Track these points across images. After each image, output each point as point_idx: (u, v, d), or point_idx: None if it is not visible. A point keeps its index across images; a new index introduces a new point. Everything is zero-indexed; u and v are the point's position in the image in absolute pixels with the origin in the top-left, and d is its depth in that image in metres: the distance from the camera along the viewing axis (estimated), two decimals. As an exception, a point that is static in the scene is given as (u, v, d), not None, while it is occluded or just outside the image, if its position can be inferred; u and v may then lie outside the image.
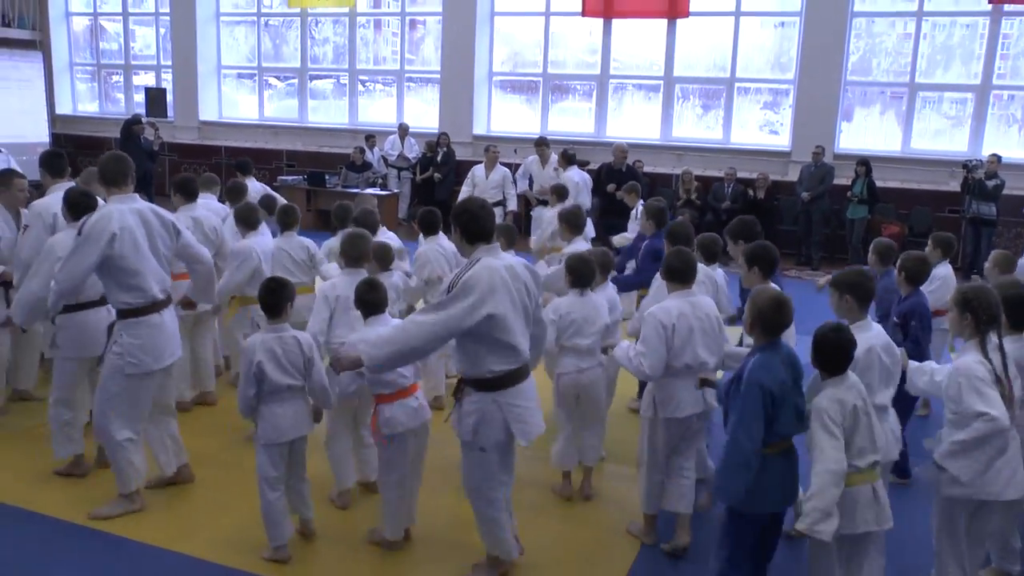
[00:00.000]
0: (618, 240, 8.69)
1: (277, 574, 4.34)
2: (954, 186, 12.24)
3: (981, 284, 4.07)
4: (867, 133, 13.68)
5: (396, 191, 14.56)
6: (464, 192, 11.45)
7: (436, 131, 14.86)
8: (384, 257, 5.52)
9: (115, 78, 18.87)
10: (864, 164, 12.26)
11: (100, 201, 5.12)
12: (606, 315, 5.18)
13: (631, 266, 6.82)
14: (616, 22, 14.43)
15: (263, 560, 4.40)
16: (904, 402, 4.65)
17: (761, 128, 14.34)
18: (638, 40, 14.68)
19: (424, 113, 15.91)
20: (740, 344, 4.81)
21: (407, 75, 16.23)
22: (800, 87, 13.35)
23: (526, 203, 12.41)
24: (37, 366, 6.42)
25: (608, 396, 5.57)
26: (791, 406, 3.55)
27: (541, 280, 4.19)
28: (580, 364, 5.05)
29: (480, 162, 12.01)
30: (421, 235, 6.74)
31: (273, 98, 17.62)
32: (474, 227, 3.88)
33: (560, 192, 8.89)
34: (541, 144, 11.59)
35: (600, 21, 14.46)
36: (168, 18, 17.35)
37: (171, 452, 5.12)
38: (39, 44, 17.97)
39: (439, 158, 14.07)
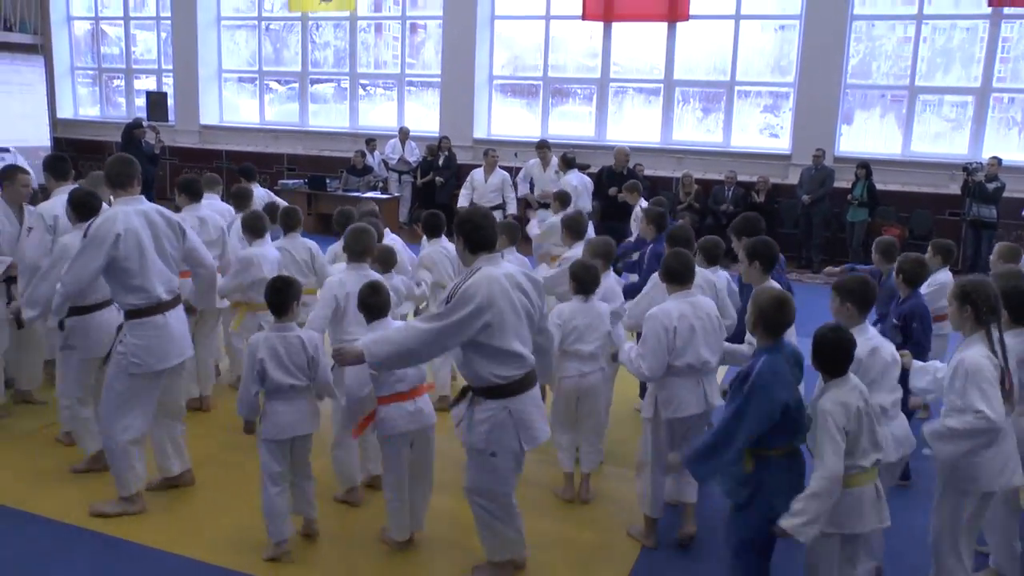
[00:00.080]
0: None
1: (278, 575, 4.35)
2: (954, 189, 12.25)
3: (980, 277, 4.06)
4: (867, 136, 13.70)
5: (397, 195, 14.57)
6: (463, 196, 11.46)
7: (436, 135, 14.88)
8: (387, 260, 5.52)
9: (116, 82, 18.91)
10: (864, 167, 12.28)
11: (105, 205, 5.17)
12: (608, 322, 5.19)
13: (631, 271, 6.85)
14: (616, 25, 14.46)
15: (264, 561, 4.41)
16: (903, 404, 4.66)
17: (761, 131, 14.36)
18: (638, 43, 14.69)
19: (425, 117, 15.93)
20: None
21: (408, 79, 16.25)
22: (800, 90, 13.36)
23: (526, 206, 12.41)
24: (41, 367, 6.43)
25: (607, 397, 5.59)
26: (801, 410, 3.58)
27: (543, 288, 4.20)
28: (582, 368, 5.07)
29: (480, 166, 12.02)
30: (424, 238, 6.76)
31: (274, 102, 17.65)
32: (476, 237, 3.92)
33: (563, 198, 8.91)
34: (543, 147, 11.60)
35: (600, 25, 14.48)
36: (169, 22, 17.40)
37: (171, 456, 5.12)
38: (40, 48, 18.02)
39: (441, 162, 14.07)
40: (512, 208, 11.57)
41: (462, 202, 11.33)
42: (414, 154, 14.80)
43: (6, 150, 11.55)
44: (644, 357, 4.41)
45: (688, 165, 13.66)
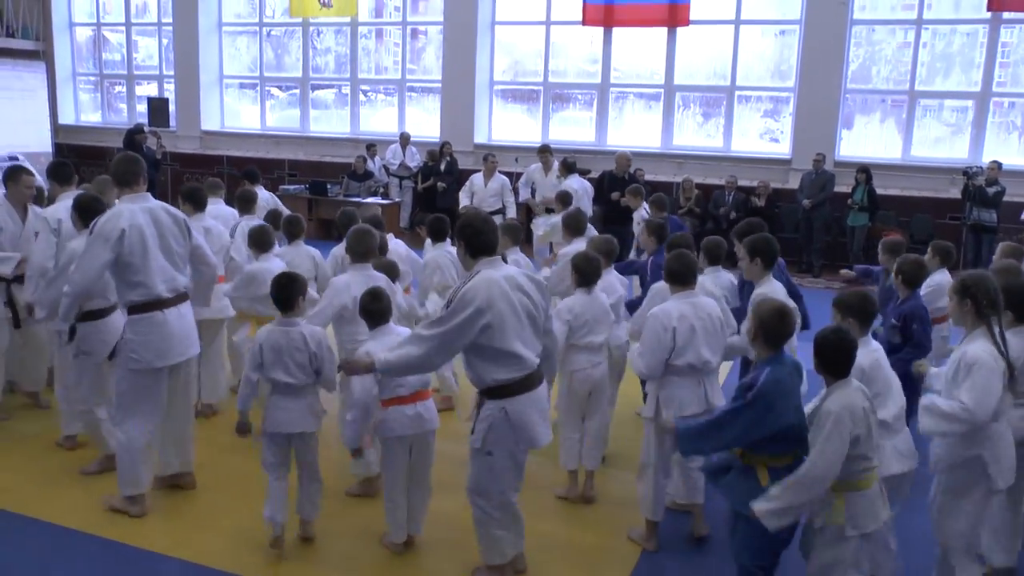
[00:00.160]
0: None
1: (277, 579, 4.36)
2: (955, 193, 12.26)
3: (979, 271, 4.08)
4: (867, 141, 13.72)
5: (398, 200, 14.60)
6: (463, 200, 11.46)
7: (437, 140, 14.89)
8: (389, 273, 5.53)
9: (118, 88, 18.96)
10: (864, 171, 12.29)
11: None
12: (612, 313, 5.29)
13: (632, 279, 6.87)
14: (616, 31, 14.48)
15: (264, 564, 4.42)
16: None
17: (762, 136, 14.38)
18: (638, 49, 14.72)
19: (425, 122, 15.96)
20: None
21: (408, 84, 16.28)
22: (800, 95, 13.38)
23: (527, 211, 12.42)
24: (45, 370, 6.44)
25: (613, 391, 5.75)
26: (802, 415, 3.59)
27: (546, 288, 4.21)
28: (593, 359, 5.17)
29: (480, 171, 12.03)
30: (429, 241, 6.80)
31: (275, 108, 17.68)
32: (477, 241, 3.95)
33: (564, 199, 8.95)
34: (544, 151, 11.61)
35: (600, 30, 14.50)
36: (170, 28, 17.44)
37: (171, 454, 5.14)
38: (42, 54, 18.08)
39: (443, 167, 14.09)
40: (511, 213, 11.56)
41: (463, 203, 11.33)
42: (415, 159, 14.82)
43: (15, 158, 11.61)
44: (643, 355, 4.49)
45: (688, 170, 13.68)
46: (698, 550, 4.73)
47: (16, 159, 8.82)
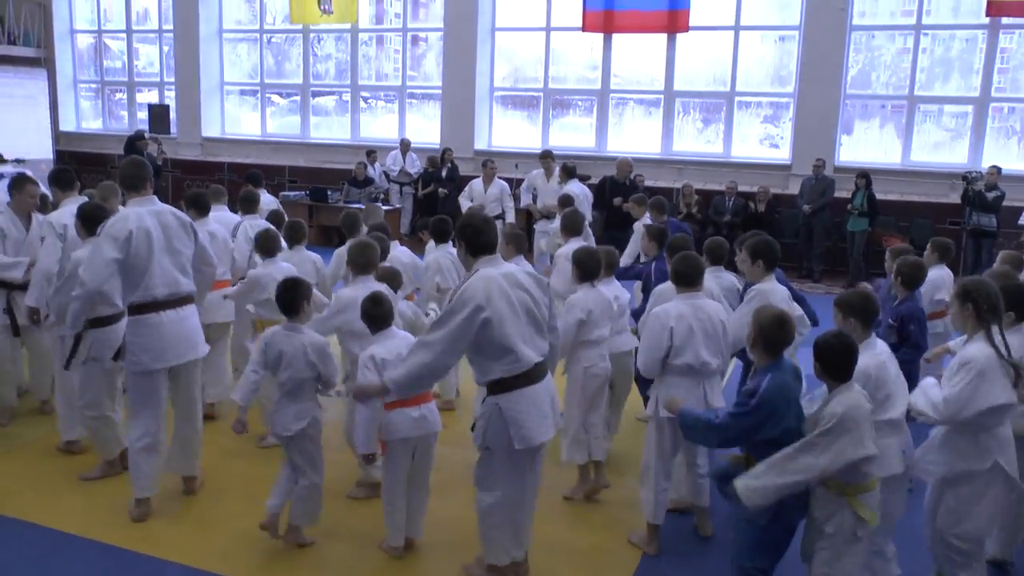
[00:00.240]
0: None
1: (278, 583, 4.36)
2: (954, 198, 12.27)
3: (980, 277, 4.12)
4: (867, 146, 13.74)
5: (398, 206, 14.61)
6: (463, 206, 11.49)
7: (438, 146, 14.93)
8: (392, 281, 5.55)
9: (118, 95, 19.00)
10: (864, 177, 12.30)
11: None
12: (613, 305, 5.38)
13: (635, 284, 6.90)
14: (616, 37, 14.52)
15: (264, 569, 4.44)
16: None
17: (761, 142, 14.40)
18: (638, 55, 14.76)
19: (425, 129, 15.99)
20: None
21: (409, 91, 16.32)
22: (800, 100, 13.41)
23: (527, 217, 12.44)
24: (50, 376, 6.44)
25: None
26: (801, 420, 3.61)
27: (547, 285, 4.23)
28: (601, 353, 5.25)
29: (480, 176, 12.08)
30: (432, 242, 6.83)
31: (275, 115, 17.72)
32: (478, 240, 4.00)
33: (566, 202, 9.00)
34: (546, 157, 11.65)
35: (600, 36, 14.54)
36: (171, 35, 17.48)
37: (176, 456, 5.16)
38: (44, 62, 18.12)
39: (444, 173, 14.11)
40: (511, 217, 11.62)
41: (463, 208, 11.36)
42: (415, 166, 14.84)
43: (21, 160, 11.68)
44: (641, 353, 4.59)
45: (688, 176, 13.70)
46: (699, 553, 4.73)
47: (22, 161, 8.93)
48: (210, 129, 17.45)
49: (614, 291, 5.62)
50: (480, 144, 15.27)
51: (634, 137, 14.76)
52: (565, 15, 14.66)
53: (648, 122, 14.77)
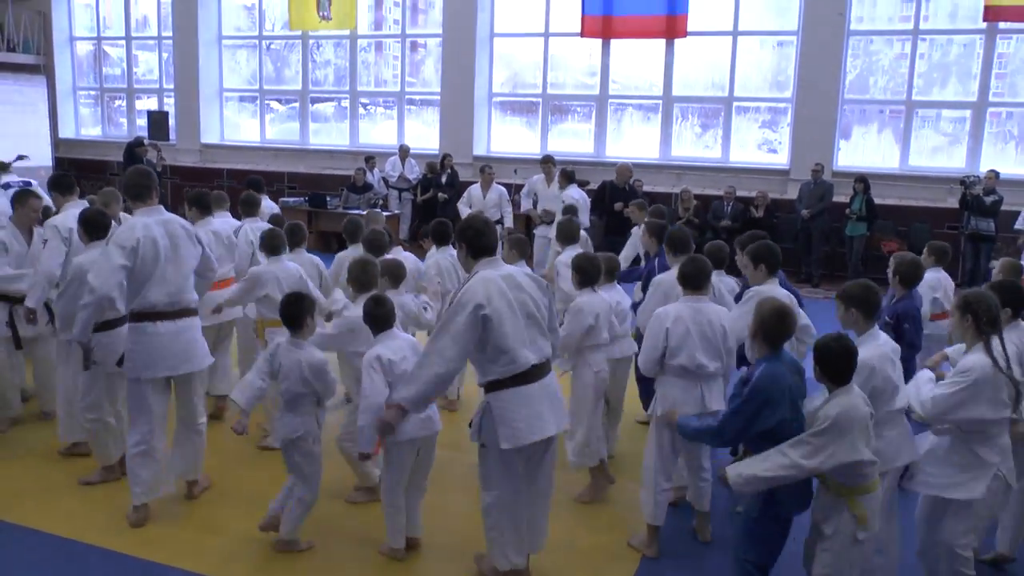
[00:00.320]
0: None
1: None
2: (952, 203, 12.29)
3: (981, 289, 4.15)
4: (865, 151, 13.77)
5: (397, 212, 14.63)
6: (462, 212, 11.50)
7: (436, 152, 14.95)
8: (396, 274, 5.55)
9: (118, 102, 19.03)
10: (862, 181, 12.32)
11: (114, 224, 5.40)
12: (613, 310, 5.44)
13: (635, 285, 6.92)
14: (615, 43, 14.55)
15: (263, 574, 4.43)
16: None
17: (760, 147, 14.43)
18: (637, 60, 14.80)
19: (424, 135, 16.01)
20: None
21: (408, 97, 16.34)
22: (798, 105, 13.44)
23: (526, 222, 12.45)
24: (55, 385, 6.45)
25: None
26: (799, 414, 3.61)
27: (545, 286, 4.24)
28: (604, 356, 5.32)
29: (478, 182, 12.09)
30: (434, 247, 6.85)
31: (275, 121, 17.74)
32: (479, 242, 4.05)
33: (569, 211, 9.05)
34: (547, 162, 11.66)
35: (599, 42, 14.58)
36: (171, 42, 17.52)
37: (176, 459, 5.16)
38: (43, 68, 18.17)
39: (444, 179, 14.12)
40: (509, 222, 11.64)
41: (462, 215, 11.37)
42: (414, 171, 14.85)
43: (28, 183, 11.72)
44: (641, 352, 4.66)
45: (687, 181, 13.72)
46: (699, 556, 4.73)
47: (29, 184, 9.01)
48: (209, 135, 17.47)
49: (616, 296, 5.64)
50: (479, 150, 15.28)
51: (633, 142, 14.79)
52: (564, 21, 14.70)
53: (647, 127, 14.80)
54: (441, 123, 15.58)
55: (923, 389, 3.88)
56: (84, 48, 19.05)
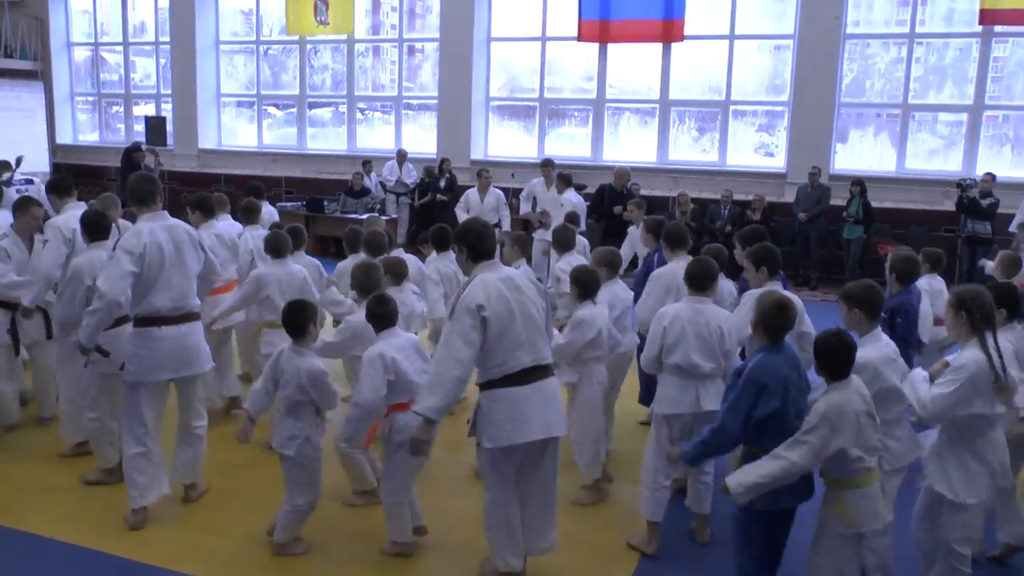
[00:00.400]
0: None
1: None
2: (949, 205, 12.30)
3: (975, 285, 4.17)
4: (862, 154, 13.81)
5: (394, 216, 14.64)
6: (460, 216, 11.53)
7: (434, 156, 14.96)
8: (398, 272, 5.55)
9: (115, 108, 19.02)
10: (859, 184, 12.35)
11: (114, 227, 5.46)
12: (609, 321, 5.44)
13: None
14: (612, 47, 14.58)
15: (265, 572, 4.43)
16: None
17: (757, 150, 14.46)
18: (634, 65, 14.83)
19: (422, 139, 16.03)
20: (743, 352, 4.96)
21: (405, 101, 16.36)
22: (795, 109, 13.47)
23: (524, 226, 12.47)
24: (55, 393, 6.45)
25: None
26: (793, 407, 3.62)
27: (543, 289, 4.26)
28: (603, 368, 5.34)
29: (475, 186, 12.12)
30: (434, 252, 6.87)
31: (272, 126, 17.75)
32: (479, 246, 4.07)
33: (573, 219, 9.09)
34: (547, 166, 11.70)
35: (596, 46, 14.60)
36: (168, 48, 17.52)
37: (177, 463, 5.17)
38: (40, 74, 18.16)
39: (443, 183, 14.13)
40: (506, 226, 11.67)
41: (460, 219, 11.40)
42: (411, 176, 14.87)
43: (31, 180, 11.79)
44: (644, 349, 4.70)
45: (684, 184, 13.73)
46: (697, 556, 4.74)
47: (32, 181, 9.10)
48: (207, 141, 17.48)
49: (618, 290, 5.66)
50: (476, 154, 15.30)
51: (630, 146, 14.82)
52: (561, 25, 14.72)
53: (644, 131, 14.83)
54: (438, 127, 15.60)
55: (920, 389, 3.89)
56: (81, 54, 19.04)
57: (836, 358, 3.59)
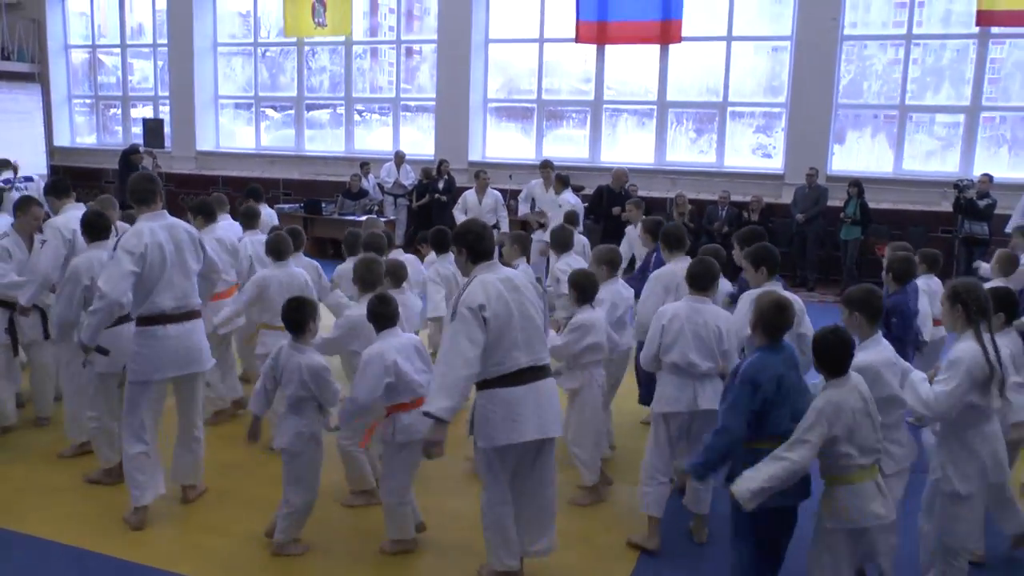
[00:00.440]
0: None
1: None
2: (946, 206, 12.33)
3: (970, 278, 4.20)
4: (859, 155, 13.83)
5: (392, 218, 14.64)
6: (458, 218, 11.54)
7: (432, 158, 14.96)
8: (398, 274, 5.57)
9: (113, 110, 19.02)
10: (856, 185, 12.36)
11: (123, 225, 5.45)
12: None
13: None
14: (609, 48, 14.60)
15: (265, 573, 4.43)
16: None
17: (754, 151, 14.48)
18: (631, 66, 14.84)
19: (420, 140, 16.04)
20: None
21: (403, 103, 16.37)
22: (792, 110, 13.48)
23: (523, 226, 12.48)
24: (52, 393, 6.47)
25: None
26: (788, 405, 3.63)
27: (541, 291, 4.27)
28: (601, 370, 5.35)
29: (472, 187, 12.13)
30: (432, 253, 6.86)
31: (270, 128, 17.75)
32: (478, 247, 4.08)
33: (572, 219, 9.09)
34: (546, 167, 11.72)
35: (593, 48, 14.62)
36: (165, 49, 17.52)
37: (176, 464, 5.17)
38: (38, 77, 18.16)
39: (442, 185, 14.13)
40: (504, 227, 11.69)
41: (458, 220, 11.41)
42: (409, 177, 14.87)
43: (30, 179, 11.82)
44: (643, 347, 4.73)
45: (682, 185, 13.74)
46: (696, 555, 4.75)
47: (31, 179, 9.12)
48: (205, 143, 17.47)
49: (619, 288, 5.68)
50: (474, 155, 15.31)
51: (627, 147, 14.83)
52: (558, 27, 14.73)
53: (641, 132, 14.84)
54: (436, 129, 15.60)
55: (921, 388, 3.88)
56: (79, 56, 19.04)
57: (834, 354, 3.61)
